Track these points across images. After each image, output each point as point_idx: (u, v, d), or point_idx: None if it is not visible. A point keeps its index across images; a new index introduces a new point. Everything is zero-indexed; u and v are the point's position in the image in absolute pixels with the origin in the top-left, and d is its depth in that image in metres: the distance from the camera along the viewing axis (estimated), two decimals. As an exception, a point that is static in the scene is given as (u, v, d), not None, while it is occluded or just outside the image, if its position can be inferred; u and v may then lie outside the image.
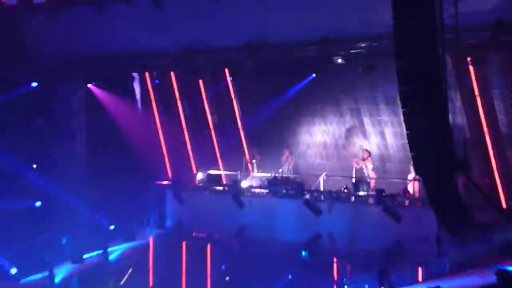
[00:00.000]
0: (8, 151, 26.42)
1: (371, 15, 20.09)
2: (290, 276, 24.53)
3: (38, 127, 28.40)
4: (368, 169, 24.23)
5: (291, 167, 26.04)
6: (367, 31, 21.11)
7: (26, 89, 27.86)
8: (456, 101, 20.37)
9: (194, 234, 25.93)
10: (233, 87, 27.45)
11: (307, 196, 23.64)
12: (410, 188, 22.81)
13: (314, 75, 24.86)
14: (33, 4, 26.84)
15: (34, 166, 28.22)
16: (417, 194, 22.38)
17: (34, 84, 28.15)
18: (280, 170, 25.50)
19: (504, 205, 21.29)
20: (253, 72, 25.38)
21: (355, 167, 24.32)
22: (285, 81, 25.53)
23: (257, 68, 24.88)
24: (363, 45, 22.27)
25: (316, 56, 23.42)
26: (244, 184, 25.56)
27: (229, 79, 27.01)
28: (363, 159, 24.38)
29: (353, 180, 23.81)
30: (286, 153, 26.44)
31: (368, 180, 23.76)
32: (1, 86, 27.16)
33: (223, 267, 26.04)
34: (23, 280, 25.90)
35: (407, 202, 22.24)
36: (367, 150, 24.66)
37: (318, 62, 23.76)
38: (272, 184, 24.82)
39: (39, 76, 28.04)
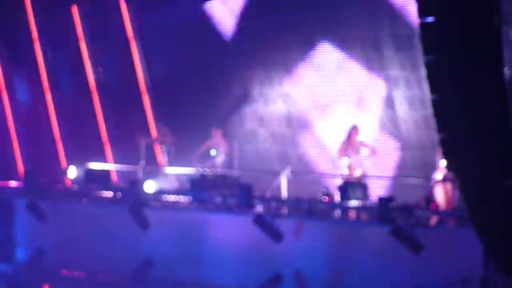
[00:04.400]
0: None
1: None
2: None
3: None
4: (356, 163, 24.36)
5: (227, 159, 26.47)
6: None
7: None
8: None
9: (63, 272, 25.97)
10: (129, 16, 28.18)
11: (259, 208, 23.41)
12: (438, 195, 22.27)
13: None
14: None
15: None
16: (449, 206, 21.92)
17: None
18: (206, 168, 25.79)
19: None
20: None
21: (336, 159, 25.01)
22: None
23: None
24: None
25: None
26: (150, 186, 25.61)
27: (122, 1, 28.42)
28: (350, 143, 24.45)
29: (338, 181, 23.84)
30: (217, 134, 26.86)
31: (364, 180, 23.84)
32: None
33: None
34: None
35: (433, 219, 22.10)
36: (355, 127, 24.81)
37: None
38: (198, 187, 25.04)
39: None
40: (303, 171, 25.84)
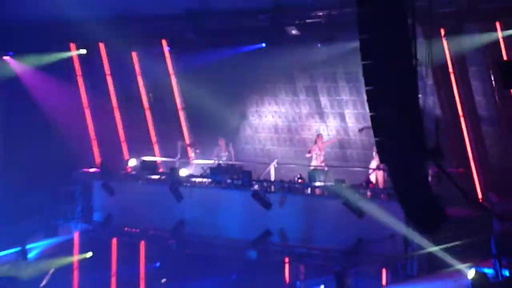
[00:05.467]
0: None
1: None
2: (234, 278, 24.92)
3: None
4: (320, 157, 24.74)
5: (232, 157, 26.37)
6: None
7: None
8: (427, 79, 19.80)
9: (125, 229, 26.02)
10: (171, 60, 27.80)
11: (256, 187, 23.71)
12: (373, 178, 23.07)
13: (263, 44, 25.44)
14: None
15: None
16: (381, 185, 22.67)
17: None
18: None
19: (480, 198, 21.75)
20: (194, 43, 25.94)
21: (307, 155, 24.86)
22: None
23: (198, 39, 25.38)
24: (321, 13, 22.67)
25: (267, 26, 23.98)
26: (183, 172, 25.65)
27: (166, 51, 27.58)
28: (317, 146, 24.81)
29: (309, 169, 24.03)
30: (222, 143, 26.68)
31: (325, 169, 24.02)
32: None
33: (158, 265, 26.58)
34: None
35: (370, 194, 22.34)
36: (320, 135, 25.09)
37: (269, 33, 24.46)
38: (215, 173, 25.02)
39: None
40: (285, 163, 25.50)
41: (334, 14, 22.00)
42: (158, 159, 27.55)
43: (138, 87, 28.36)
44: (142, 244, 26.14)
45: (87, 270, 26.80)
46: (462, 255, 19.52)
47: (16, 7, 26.12)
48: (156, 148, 28.17)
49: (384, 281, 20.82)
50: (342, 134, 25.78)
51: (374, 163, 22.86)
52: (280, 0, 22.70)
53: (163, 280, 26.16)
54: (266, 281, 23.64)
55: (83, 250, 26.96)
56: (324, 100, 25.90)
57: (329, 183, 23.05)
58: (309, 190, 23.56)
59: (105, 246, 26.51)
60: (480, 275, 17.97)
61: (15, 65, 28.57)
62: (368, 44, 16.06)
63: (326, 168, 24.10)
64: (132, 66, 28.17)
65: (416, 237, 19.76)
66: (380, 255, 20.66)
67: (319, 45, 23.64)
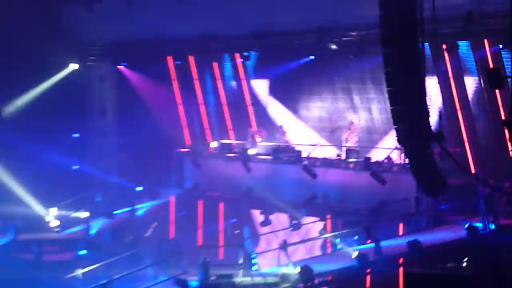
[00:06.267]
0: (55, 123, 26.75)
1: (361, 8, 20.14)
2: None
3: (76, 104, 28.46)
4: (353, 140, 24.19)
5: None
6: (358, 21, 21.35)
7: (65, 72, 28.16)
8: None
9: (208, 194, 25.89)
10: (243, 68, 27.45)
11: (305, 162, 23.60)
12: (393, 156, 22.67)
13: (312, 57, 24.99)
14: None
15: (77, 135, 28.70)
16: (399, 161, 22.30)
17: (75, 65, 28.44)
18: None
19: (472, 171, 21.39)
20: (260, 56, 25.81)
21: (344, 138, 24.30)
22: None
23: (262, 52, 25.30)
24: (354, 33, 22.47)
25: (314, 43, 23.58)
26: (251, 151, 25.53)
27: (239, 61, 27.15)
28: (351, 132, 24.35)
29: (344, 149, 23.78)
30: (280, 129, 26.19)
31: (357, 148, 23.68)
32: (44, 69, 27.24)
33: (233, 221, 26.00)
34: (64, 232, 26.02)
35: (390, 168, 22.10)
36: (353, 123, 24.68)
37: (316, 48, 23.95)
38: (275, 152, 24.82)
39: (79, 59, 28.39)
40: (326, 144, 25.18)
41: (363, 34, 21.87)
42: (233, 141, 27.19)
43: (217, 89, 28.19)
44: (221, 205, 25.93)
45: (180, 225, 26.76)
46: (459, 212, 19.66)
47: (129, 29, 26.27)
48: (231, 133, 27.87)
49: (400, 232, 20.59)
50: (370, 123, 25.23)
51: (393, 144, 21.87)
52: (324, 23, 22.52)
53: (237, 231, 25.70)
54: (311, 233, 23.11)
55: (177, 210, 26.94)
56: (356, 97, 25.55)
57: (359, 160, 22.74)
58: (344, 165, 23.26)
59: (193, 206, 26.38)
60: (472, 228, 18.08)
61: (127, 72, 28.84)
62: (389, 57, 16.21)
63: (357, 148, 23.72)
64: (214, 73, 28.10)
65: (425, 199, 19.76)
66: (397, 212, 20.55)
67: (351, 56, 23.44)
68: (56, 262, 23.85)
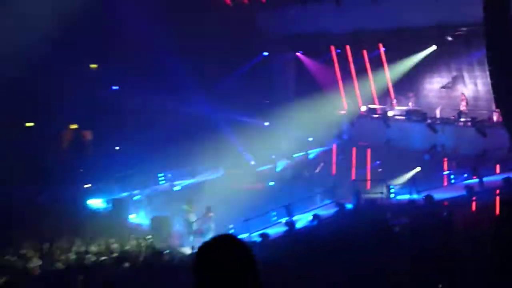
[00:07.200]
0: (253, 95, 27.26)
1: (469, 9, 19.29)
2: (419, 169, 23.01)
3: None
4: (464, 105, 23.26)
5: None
6: (467, 19, 20.56)
7: (259, 58, 28.42)
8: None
9: (359, 143, 25.81)
10: (385, 55, 26.45)
11: (429, 121, 23.33)
12: (493, 116, 21.98)
13: (435, 46, 24.29)
14: (260, 2, 27.44)
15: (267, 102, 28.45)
16: (497, 120, 21.50)
17: (265, 53, 28.62)
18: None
19: None
20: (396, 46, 25.01)
21: (461, 104, 23.36)
22: (414, 52, 25.10)
23: (398, 43, 24.62)
24: (464, 29, 21.91)
25: (435, 36, 23.17)
26: (390, 113, 25.27)
27: (382, 50, 26.37)
28: (462, 100, 23.42)
29: (457, 112, 23.08)
30: (411, 95, 24.97)
31: (466, 111, 22.98)
32: (241, 57, 27.49)
33: (377, 162, 25.42)
34: (258, 169, 26.74)
35: (491, 125, 21.68)
36: (463, 94, 23.68)
37: (436, 40, 23.51)
38: (407, 114, 24.52)
39: (267, 49, 28.44)
40: (444, 108, 23.67)
41: (471, 29, 20.83)
42: (377, 106, 26.50)
43: (366, 70, 26.69)
44: (368, 150, 25.56)
45: (339, 165, 26.61)
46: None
47: (303, 25, 26.03)
48: (376, 100, 26.92)
49: (497, 171, 20.10)
50: (475, 94, 23.81)
51: (492, 107, 21.23)
52: (440, 21, 21.40)
53: (380, 170, 24.43)
54: (434, 171, 22.40)
55: (337, 154, 26.91)
56: (465, 74, 24.30)
57: (468, 119, 22.16)
58: (457, 123, 22.77)
59: (349, 152, 26.26)
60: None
61: (302, 57, 28.95)
62: (491, 59, 17.40)
63: (467, 111, 22.89)
64: (363, 58, 26.87)
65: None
66: (495, 157, 20.00)
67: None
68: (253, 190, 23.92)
